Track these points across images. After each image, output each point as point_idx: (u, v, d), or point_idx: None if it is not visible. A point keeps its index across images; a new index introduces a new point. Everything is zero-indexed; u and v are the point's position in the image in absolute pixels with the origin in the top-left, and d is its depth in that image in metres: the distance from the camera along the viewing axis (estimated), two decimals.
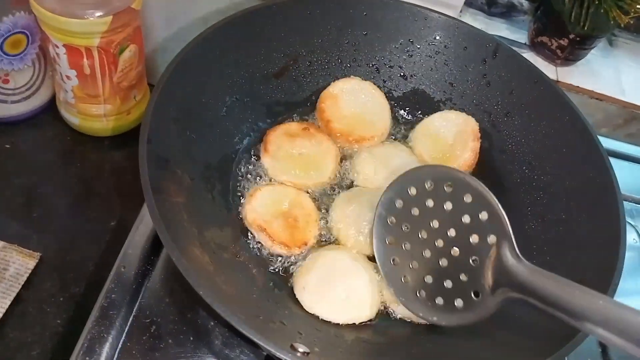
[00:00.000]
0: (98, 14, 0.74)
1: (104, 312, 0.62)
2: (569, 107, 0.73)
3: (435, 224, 0.63)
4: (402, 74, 0.85)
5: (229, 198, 0.72)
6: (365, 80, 0.84)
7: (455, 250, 0.61)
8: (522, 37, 0.95)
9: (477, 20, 0.95)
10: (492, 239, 0.58)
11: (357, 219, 0.70)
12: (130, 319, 0.63)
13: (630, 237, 0.88)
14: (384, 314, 0.66)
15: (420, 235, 0.64)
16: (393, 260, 0.65)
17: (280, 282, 0.67)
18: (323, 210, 0.74)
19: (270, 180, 0.75)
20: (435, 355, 0.62)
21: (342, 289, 0.64)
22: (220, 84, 0.73)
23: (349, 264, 0.67)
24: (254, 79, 0.77)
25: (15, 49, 0.82)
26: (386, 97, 0.85)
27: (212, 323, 0.65)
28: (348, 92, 0.82)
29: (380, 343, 0.62)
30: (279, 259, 0.69)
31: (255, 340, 0.48)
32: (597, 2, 0.80)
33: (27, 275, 0.73)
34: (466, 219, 0.60)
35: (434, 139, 0.81)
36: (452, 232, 0.61)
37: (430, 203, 0.63)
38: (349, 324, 0.64)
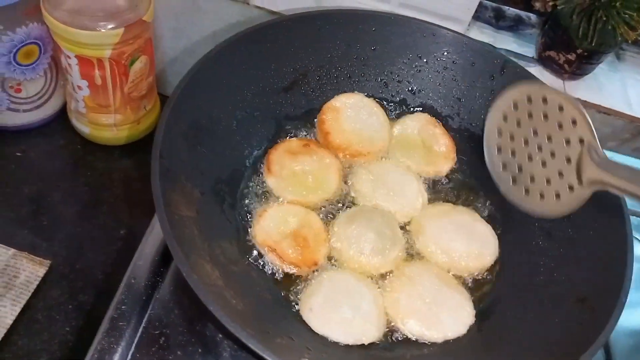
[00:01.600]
0: (110, 26, 0.75)
1: (114, 324, 0.63)
2: None
3: (533, 133, 0.70)
4: (410, 88, 0.85)
5: (239, 213, 0.72)
6: (371, 96, 0.84)
7: (552, 153, 0.68)
8: (529, 50, 0.95)
9: (485, 34, 0.95)
10: (579, 141, 0.66)
11: (358, 239, 0.71)
12: (140, 330, 0.64)
13: (638, 250, 0.87)
14: (390, 334, 0.66)
15: (522, 144, 0.71)
16: (502, 164, 0.72)
17: (289, 298, 0.67)
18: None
19: (278, 199, 0.75)
20: None
21: (348, 309, 0.64)
22: (231, 98, 0.74)
23: (353, 284, 0.67)
24: (264, 94, 0.77)
25: (27, 59, 0.83)
26: (397, 111, 0.86)
27: (221, 335, 0.65)
28: (350, 106, 0.83)
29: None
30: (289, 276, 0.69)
31: (264, 355, 0.48)
32: (604, 18, 0.80)
33: (37, 282, 0.74)
34: (558, 126, 0.68)
35: (408, 148, 0.83)
36: (548, 138, 0.69)
37: (528, 116, 0.70)
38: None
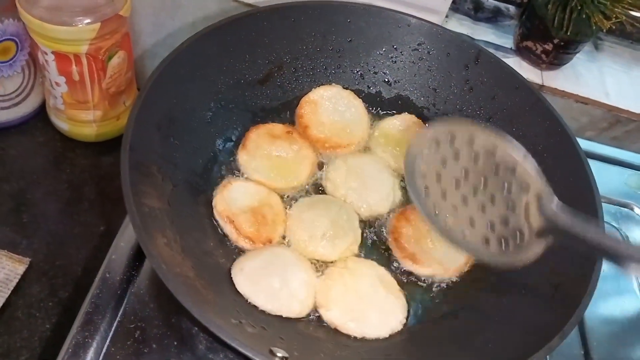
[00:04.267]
0: (86, 21, 0.74)
1: (89, 318, 0.63)
2: (549, 112, 0.74)
3: (464, 173, 0.62)
4: (386, 79, 0.85)
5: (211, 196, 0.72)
6: (347, 88, 0.84)
7: (492, 197, 0.60)
8: (508, 42, 0.96)
9: (464, 26, 0.96)
10: (521, 186, 0.58)
11: (312, 225, 0.72)
12: (115, 324, 0.64)
13: None
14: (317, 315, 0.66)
15: (453, 186, 0.62)
16: (434, 210, 0.63)
17: None
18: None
19: (244, 177, 0.75)
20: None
21: (278, 281, 0.65)
22: (205, 90, 0.73)
23: (292, 262, 0.68)
24: (239, 86, 0.77)
25: (4, 56, 0.82)
26: (374, 102, 0.86)
27: (197, 328, 0.65)
28: (328, 99, 0.83)
29: (358, 348, 0.62)
30: None
31: (233, 344, 0.48)
32: (579, 8, 0.81)
33: (17, 280, 0.74)
34: (494, 169, 0.60)
35: (391, 145, 0.83)
36: (483, 181, 0.61)
37: (454, 156, 0.62)
38: (336, 331, 0.65)
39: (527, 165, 0.58)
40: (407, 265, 0.73)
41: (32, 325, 0.72)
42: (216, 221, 0.69)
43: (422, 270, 0.72)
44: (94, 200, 0.86)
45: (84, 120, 0.88)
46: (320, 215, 0.73)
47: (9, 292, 0.73)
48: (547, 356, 0.69)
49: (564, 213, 0.56)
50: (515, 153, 0.59)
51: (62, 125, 0.89)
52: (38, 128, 0.93)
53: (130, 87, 0.90)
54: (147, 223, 0.55)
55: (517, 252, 0.59)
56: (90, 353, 0.61)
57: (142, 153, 0.60)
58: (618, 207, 0.89)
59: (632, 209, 0.90)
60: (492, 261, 0.60)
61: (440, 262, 0.72)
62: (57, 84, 0.82)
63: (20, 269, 0.75)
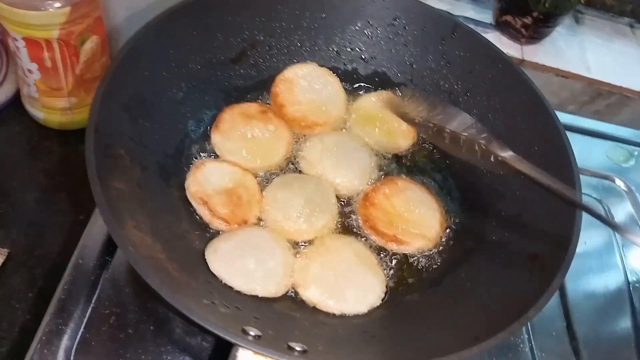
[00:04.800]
0: (56, 5, 0.73)
1: (62, 305, 0.62)
2: (527, 85, 0.73)
3: None
4: (362, 56, 0.84)
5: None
6: (323, 65, 0.83)
7: None
8: (487, 17, 0.95)
9: (443, 2, 0.95)
10: None
11: (286, 204, 0.71)
12: (89, 310, 0.63)
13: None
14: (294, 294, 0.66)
15: None
16: None
17: None
18: None
19: (218, 158, 0.75)
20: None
21: (253, 261, 0.64)
22: (175, 70, 0.72)
23: (267, 242, 0.67)
24: (211, 65, 0.76)
25: None
26: (350, 79, 0.85)
27: (172, 313, 0.65)
28: (303, 77, 0.82)
29: (336, 325, 0.62)
30: None
31: (206, 325, 0.47)
32: None
33: None
34: None
35: (368, 123, 0.82)
36: None
37: None
38: (311, 309, 0.64)
39: None
40: (393, 247, 0.72)
41: (13, 316, 0.71)
42: (189, 203, 0.68)
43: (408, 248, 0.72)
44: (71, 189, 0.85)
45: (59, 108, 0.86)
46: (295, 194, 0.72)
47: None
48: (530, 328, 0.70)
49: None
50: None
51: (37, 113, 0.88)
52: (13, 117, 0.91)
53: None
54: (115, 206, 0.54)
55: None
56: (65, 339, 0.60)
57: (109, 134, 0.59)
58: (600, 179, 0.89)
59: (613, 181, 0.89)
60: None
61: (421, 234, 0.72)
62: (29, 71, 0.80)
63: None
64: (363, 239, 0.72)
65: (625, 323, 0.77)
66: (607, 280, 0.80)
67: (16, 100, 0.91)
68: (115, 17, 0.92)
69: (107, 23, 0.84)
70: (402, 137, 0.81)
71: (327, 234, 0.72)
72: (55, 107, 0.86)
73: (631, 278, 0.81)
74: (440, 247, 0.72)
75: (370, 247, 0.71)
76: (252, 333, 0.51)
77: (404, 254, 0.72)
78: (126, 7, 0.91)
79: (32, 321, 0.70)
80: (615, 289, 0.80)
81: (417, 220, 0.73)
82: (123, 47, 0.64)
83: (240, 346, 0.48)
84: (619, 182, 0.89)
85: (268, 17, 0.79)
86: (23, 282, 0.74)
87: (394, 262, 0.71)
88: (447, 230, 0.74)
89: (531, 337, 0.71)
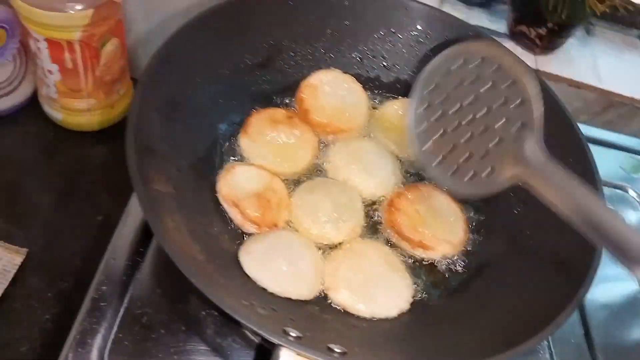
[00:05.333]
0: (79, 7, 0.73)
1: (95, 304, 0.63)
2: (549, 96, 0.74)
3: (472, 100, 0.64)
4: (384, 64, 0.85)
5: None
6: (346, 72, 0.84)
7: (484, 128, 0.62)
8: (501, 26, 0.97)
9: (457, 10, 0.97)
10: (517, 125, 0.60)
11: (315, 209, 0.72)
12: (122, 310, 0.64)
13: None
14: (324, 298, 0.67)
15: (455, 108, 0.64)
16: (424, 126, 0.66)
17: None
18: None
19: (247, 162, 0.75)
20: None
21: (285, 264, 0.65)
22: (205, 74, 0.73)
23: (298, 245, 0.68)
24: (239, 70, 0.77)
25: None
26: (371, 86, 0.86)
27: (204, 312, 0.65)
28: (327, 83, 0.83)
29: (366, 329, 0.63)
30: None
31: (249, 325, 0.48)
32: None
33: (14, 271, 0.73)
34: (499, 101, 0.62)
35: (391, 130, 0.83)
36: (485, 111, 0.63)
37: (470, 79, 0.64)
38: (341, 312, 0.65)
39: (535, 103, 0.60)
40: (419, 253, 0.73)
41: (32, 316, 0.71)
42: (220, 205, 0.69)
43: (434, 254, 0.73)
44: (89, 190, 0.86)
45: (78, 109, 0.87)
46: (323, 199, 0.73)
47: (7, 283, 0.72)
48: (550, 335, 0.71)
49: (543, 155, 0.58)
50: (533, 89, 0.60)
51: (56, 114, 0.88)
52: (30, 118, 0.91)
53: (123, 76, 0.89)
54: (156, 207, 0.55)
55: (478, 185, 0.62)
56: (98, 339, 0.61)
57: (146, 137, 0.60)
58: (613, 189, 0.91)
59: (626, 191, 0.92)
60: (453, 188, 0.65)
61: (446, 239, 0.73)
62: (49, 71, 0.81)
63: (18, 259, 0.74)
64: (389, 244, 0.73)
65: (639, 331, 0.79)
66: (622, 289, 0.82)
67: (33, 101, 0.92)
68: (133, 20, 0.92)
69: (125, 26, 0.84)
70: None
71: (354, 237, 0.72)
72: (74, 108, 0.87)
73: None
74: (465, 254, 0.73)
75: (396, 251, 0.73)
76: (292, 334, 0.52)
77: (429, 260, 0.73)
78: (145, 10, 0.92)
79: (51, 321, 0.71)
80: (631, 297, 0.82)
81: (442, 226, 0.74)
82: (156, 52, 0.65)
83: (283, 346, 0.48)
84: (632, 192, 0.91)
85: (293, 23, 0.80)
86: (42, 282, 0.74)
87: (420, 267, 0.72)
88: (471, 237, 0.75)
89: (551, 344, 0.72)
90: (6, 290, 0.71)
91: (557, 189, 0.56)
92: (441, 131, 0.65)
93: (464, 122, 0.63)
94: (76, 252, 0.78)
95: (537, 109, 0.60)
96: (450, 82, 0.65)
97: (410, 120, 0.66)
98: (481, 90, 0.63)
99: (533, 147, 0.59)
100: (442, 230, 0.74)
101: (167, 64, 0.66)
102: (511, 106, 0.61)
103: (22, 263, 0.74)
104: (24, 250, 0.76)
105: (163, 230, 0.52)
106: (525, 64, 0.63)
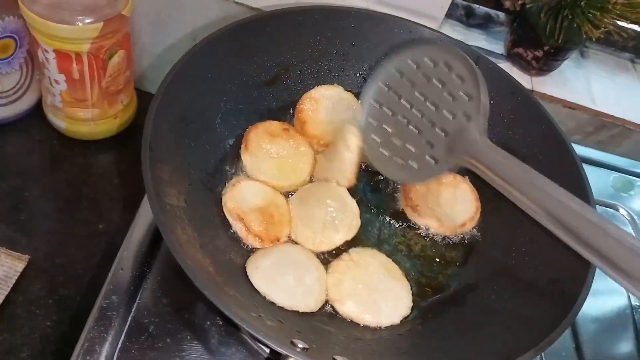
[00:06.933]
0: (89, 20, 0.75)
1: (103, 313, 0.64)
2: (545, 117, 0.77)
3: (422, 97, 0.70)
4: None
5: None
6: (348, 91, 0.86)
7: (432, 122, 0.68)
8: (499, 47, 0.99)
9: (456, 31, 0.99)
10: (465, 117, 0.65)
11: (311, 220, 0.73)
12: (129, 319, 0.65)
13: None
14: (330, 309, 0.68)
15: (406, 105, 0.71)
16: (374, 121, 0.75)
17: None
18: None
19: (250, 177, 0.77)
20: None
21: (293, 277, 0.67)
22: (216, 91, 0.75)
23: (303, 258, 0.70)
24: (248, 87, 0.79)
25: (3, 53, 0.82)
26: None
27: (209, 323, 0.67)
28: (329, 98, 0.84)
29: (370, 341, 0.65)
30: None
31: (259, 336, 0.50)
32: (570, 17, 0.84)
33: (16, 277, 0.74)
34: (451, 97, 0.67)
35: None
36: (433, 106, 0.69)
37: (425, 78, 0.70)
38: (346, 323, 0.67)
39: (478, 98, 0.64)
40: (408, 211, 0.79)
41: (33, 322, 0.72)
42: (225, 219, 0.70)
43: (419, 219, 0.78)
44: (92, 199, 0.87)
45: (81, 119, 0.88)
46: (315, 207, 0.74)
47: (9, 289, 0.73)
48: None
49: (484, 141, 0.63)
50: (478, 86, 0.65)
51: (60, 123, 0.89)
52: (34, 126, 0.92)
53: (128, 87, 0.90)
54: (170, 221, 0.56)
55: (418, 172, 0.69)
56: (106, 347, 0.62)
57: (160, 152, 0.61)
58: (604, 207, 0.94)
59: (617, 210, 0.94)
60: (397, 178, 0.75)
61: (438, 218, 0.77)
62: (56, 81, 0.82)
63: (20, 266, 0.75)
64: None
65: (629, 345, 0.81)
66: (612, 304, 0.84)
67: (37, 109, 0.93)
68: (140, 32, 0.94)
69: (132, 38, 0.86)
70: None
71: (354, 233, 0.75)
72: (78, 117, 0.88)
73: (634, 302, 0.85)
74: (461, 268, 0.75)
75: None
76: (300, 345, 0.53)
77: (427, 274, 0.75)
78: (151, 23, 0.93)
79: (51, 327, 0.72)
80: (620, 313, 0.84)
81: (445, 211, 0.79)
82: (172, 69, 0.66)
83: (291, 357, 0.50)
84: (622, 211, 0.94)
85: (301, 43, 0.82)
86: (43, 289, 0.75)
87: (420, 277, 0.74)
88: (470, 256, 0.77)
89: (543, 357, 0.74)
90: (8, 296, 0.72)
91: (499, 171, 0.61)
92: (391, 130, 0.73)
93: (412, 119, 0.70)
94: (78, 259, 0.79)
95: (483, 99, 0.64)
96: (400, 83, 0.72)
97: (361, 122, 0.75)
98: (431, 88, 0.69)
99: (476, 135, 0.63)
100: (441, 213, 0.78)
101: (180, 81, 0.67)
102: (458, 100, 0.66)
103: (24, 270, 0.75)
104: (26, 257, 0.76)
105: (177, 244, 0.53)
106: (468, 59, 0.66)
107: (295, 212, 0.75)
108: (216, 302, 0.50)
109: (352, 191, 0.78)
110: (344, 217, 0.75)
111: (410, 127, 0.70)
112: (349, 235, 0.74)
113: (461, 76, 0.66)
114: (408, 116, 0.71)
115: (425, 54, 0.70)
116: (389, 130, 0.73)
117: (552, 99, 0.95)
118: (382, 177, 0.82)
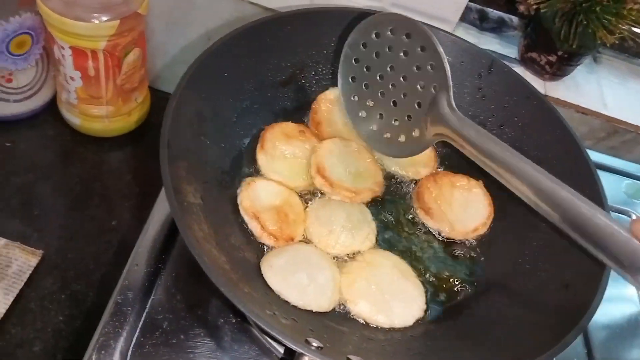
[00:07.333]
0: (106, 18, 0.75)
1: (118, 309, 0.64)
2: (559, 122, 0.77)
3: (390, 69, 0.72)
4: None
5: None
6: None
7: (404, 94, 0.71)
8: (512, 52, 0.99)
9: (470, 35, 0.99)
10: (433, 88, 0.68)
11: (329, 221, 0.74)
12: (144, 315, 0.65)
13: None
14: (343, 309, 0.68)
15: (377, 78, 0.74)
16: (354, 97, 0.77)
17: None
18: None
19: (265, 177, 0.77)
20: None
21: (305, 276, 0.67)
22: (232, 91, 0.75)
23: (316, 258, 0.70)
24: (263, 87, 0.79)
25: (20, 49, 0.83)
26: None
27: (222, 320, 0.67)
28: None
29: (382, 341, 0.65)
30: None
31: (274, 334, 0.50)
32: (585, 22, 0.84)
33: (30, 272, 0.75)
34: (416, 67, 0.69)
35: None
36: (403, 78, 0.71)
37: (388, 49, 0.72)
38: (359, 324, 0.67)
39: (442, 66, 0.66)
40: (420, 214, 0.79)
41: (45, 317, 0.73)
42: (240, 217, 0.71)
43: (431, 223, 0.79)
44: (104, 196, 0.87)
45: (95, 116, 0.89)
46: (336, 211, 0.75)
47: (22, 283, 0.73)
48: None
49: (455, 114, 0.65)
50: (438, 54, 0.67)
51: (74, 119, 0.90)
52: (48, 122, 0.93)
53: (142, 84, 0.91)
54: (187, 218, 0.57)
55: (409, 147, 0.71)
56: (121, 342, 0.62)
57: (177, 150, 0.61)
58: (616, 214, 0.93)
59: (630, 216, 0.94)
60: (386, 153, 0.77)
61: (450, 223, 0.78)
62: (72, 78, 0.82)
63: (34, 261, 0.76)
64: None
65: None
66: (623, 310, 0.85)
67: (51, 105, 0.93)
68: (154, 30, 0.94)
69: (147, 37, 0.87)
70: (423, 166, 0.84)
71: (369, 246, 0.74)
72: (92, 114, 0.88)
73: None
74: (474, 271, 0.75)
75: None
76: (314, 344, 0.54)
77: (440, 277, 0.75)
78: (165, 22, 0.94)
79: (64, 322, 0.73)
80: (632, 318, 0.84)
81: (457, 216, 0.79)
82: (189, 68, 0.67)
83: (306, 356, 0.50)
84: (634, 217, 0.93)
85: (317, 44, 0.82)
86: (56, 284, 0.76)
87: (432, 280, 0.74)
88: (482, 260, 0.77)
89: None
90: (21, 290, 0.73)
91: (472, 141, 0.63)
92: (369, 103, 0.76)
93: (386, 92, 0.73)
94: (89, 255, 0.80)
95: (445, 67, 0.66)
96: (368, 55, 0.74)
97: (342, 94, 0.78)
98: (396, 59, 0.71)
99: (447, 106, 0.66)
100: (454, 217, 0.79)
101: (197, 79, 0.68)
102: (424, 71, 0.68)
103: (37, 264, 0.76)
104: (39, 252, 0.77)
105: (194, 240, 0.53)
106: (428, 29, 0.68)
107: (314, 211, 0.75)
108: (232, 298, 0.50)
109: None
110: (363, 228, 0.75)
111: (387, 99, 0.73)
112: (363, 247, 0.74)
113: (422, 46, 0.68)
114: (382, 88, 0.73)
115: (382, 24, 0.71)
116: (371, 104, 0.75)
117: (565, 104, 0.95)
118: (395, 179, 0.82)
